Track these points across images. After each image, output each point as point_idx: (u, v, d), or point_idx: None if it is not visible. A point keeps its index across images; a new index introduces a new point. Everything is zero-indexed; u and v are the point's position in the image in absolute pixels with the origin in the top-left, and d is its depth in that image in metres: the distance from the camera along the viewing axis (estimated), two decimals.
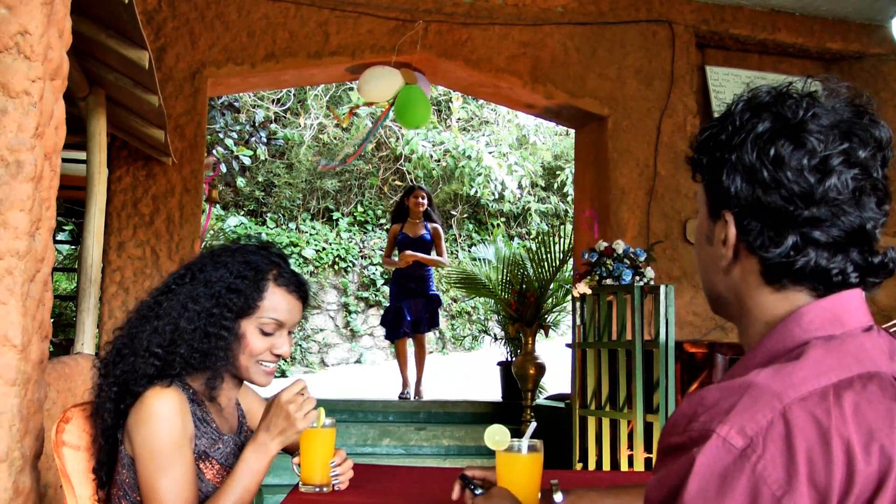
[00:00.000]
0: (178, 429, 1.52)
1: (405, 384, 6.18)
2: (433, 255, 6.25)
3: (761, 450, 0.74)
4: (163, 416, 1.51)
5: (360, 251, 11.57)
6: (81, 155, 3.79)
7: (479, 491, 1.43)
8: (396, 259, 6.23)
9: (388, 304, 6.42)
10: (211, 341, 1.58)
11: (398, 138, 11.69)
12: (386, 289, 11.22)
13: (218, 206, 10.64)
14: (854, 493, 0.74)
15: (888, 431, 0.76)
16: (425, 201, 6.28)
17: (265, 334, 1.64)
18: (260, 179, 11.42)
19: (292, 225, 11.43)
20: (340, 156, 6.88)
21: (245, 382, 1.78)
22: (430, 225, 6.28)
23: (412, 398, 6.07)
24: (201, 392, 1.63)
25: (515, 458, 1.47)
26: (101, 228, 3.33)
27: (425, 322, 6.18)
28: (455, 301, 11.78)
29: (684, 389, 3.93)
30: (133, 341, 1.61)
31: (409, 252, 6.09)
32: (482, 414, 6.03)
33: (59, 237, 7.72)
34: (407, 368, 6.26)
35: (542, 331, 6.01)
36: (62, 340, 5.62)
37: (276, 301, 1.64)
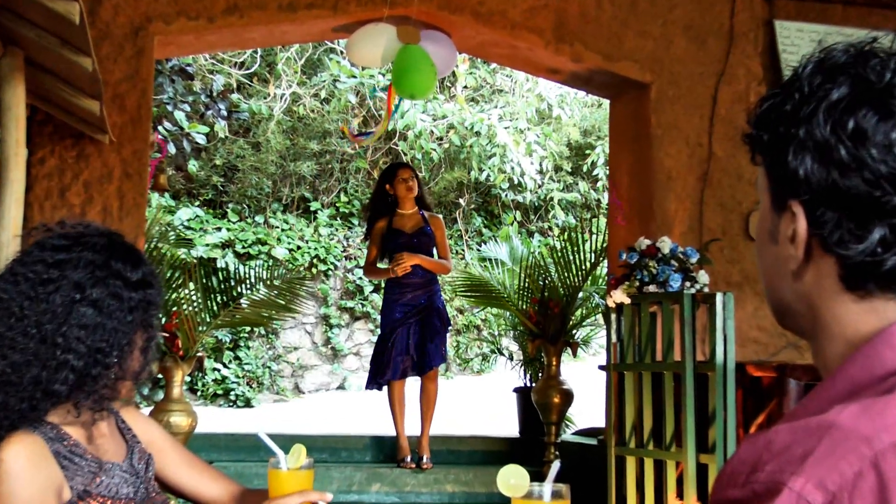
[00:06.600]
0: (31, 485, 1.56)
1: (404, 449, 5.52)
2: (436, 258, 5.70)
3: None
4: (11, 475, 1.55)
5: (344, 251, 11.58)
6: None
7: None
8: (385, 266, 5.64)
9: (380, 334, 5.65)
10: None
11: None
12: (376, 297, 11.23)
13: (167, 194, 10.66)
14: None
15: None
16: (415, 181, 5.67)
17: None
18: (218, 162, 11.44)
19: (259, 218, 11.45)
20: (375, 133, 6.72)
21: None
22: (427, 214, 5.72)
23: (416, 465, 5.45)
24: (63, 423, 1.68)
25: None
26: (19, 222, 3.33)
27: (436, 352, 5.50)
28: (461, 313, 11.78)
29: (748, 423, 3.93)
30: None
31: (406, 254, 5.48)
32: (495, 452, 6.03)
33: None
34: (404, 422, 5.56)
35: (568, 349, 6.00)
36: None
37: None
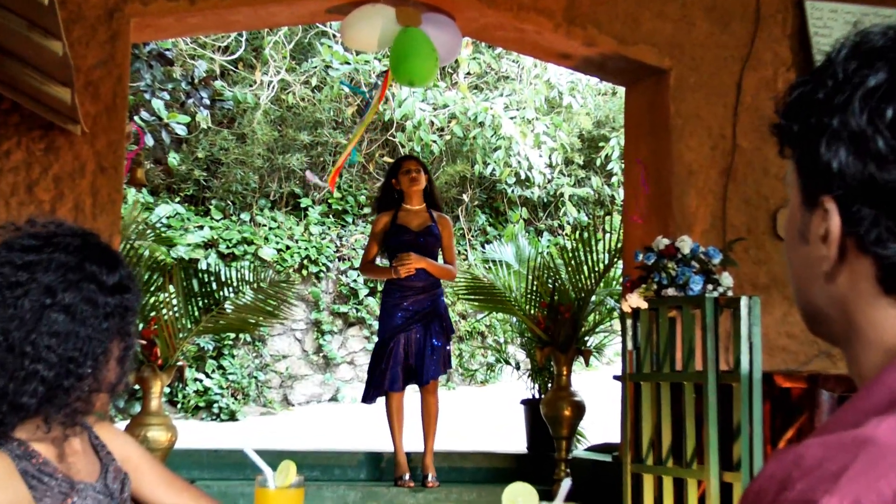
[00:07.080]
0: None
1: (402, 466, 5.54)
2: (440, 262, 5.74)
3: None
4: None
5: (337, 251, 11.58)
6: None
7: None
8: (383, 265, 5.72)
9: (377, 340, 5.71)
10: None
11: (388, 99, 11.69)
12: (372, 301, 11.24)
13: (145, 190, 10.67)
14: None
15: None
16: (422, 175, 5.73)
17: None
18: (200, 155, 11.45)
19: (245, 216, 11.46)
20: (338, 165, 6.76)
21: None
22: (435, 214, 5.76)
23: (420, 484, 5.48)
24: (32, 439, 1.68)
25: None
26: None
27: (436, 362, 5.55)
28: (464, 318, 11.78)
29: (776, 438, 3.93)
30: None
31: (414, 255, 5.51)
32: (501, 469, 6.05)
33: None
34: (402, 437, 5.60)
35: (580, 358, 6.00)
36: None
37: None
